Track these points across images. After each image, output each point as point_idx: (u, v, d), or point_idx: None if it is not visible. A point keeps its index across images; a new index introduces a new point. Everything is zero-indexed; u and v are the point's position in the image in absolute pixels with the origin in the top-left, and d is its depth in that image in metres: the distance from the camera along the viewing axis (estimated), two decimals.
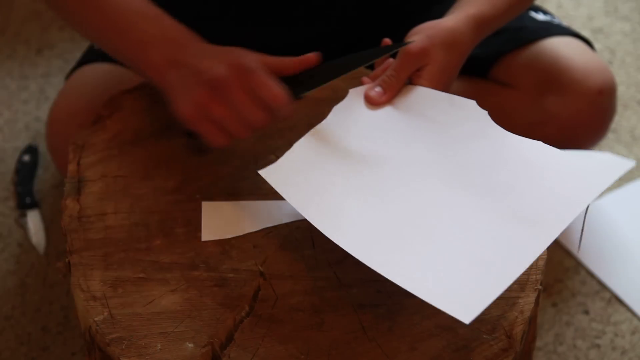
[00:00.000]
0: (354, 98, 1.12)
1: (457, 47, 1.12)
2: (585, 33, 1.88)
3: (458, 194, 1.00)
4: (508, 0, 1.19)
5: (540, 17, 1.45)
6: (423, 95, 1.10)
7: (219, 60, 1.05)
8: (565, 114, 1.38)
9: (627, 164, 1.00)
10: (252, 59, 1.06)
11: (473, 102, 1.08)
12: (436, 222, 0.98)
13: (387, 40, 1.16)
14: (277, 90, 1.04)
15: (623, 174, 0.99)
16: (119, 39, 1.12)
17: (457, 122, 1.07)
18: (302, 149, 1.05)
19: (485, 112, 1.07)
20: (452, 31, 1.12)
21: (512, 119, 1.36)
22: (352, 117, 1.10)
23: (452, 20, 1.14)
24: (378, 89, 1.11)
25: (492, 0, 1.18)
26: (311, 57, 1.10)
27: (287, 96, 1.05)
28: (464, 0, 1.18)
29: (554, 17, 1.47)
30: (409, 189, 1.02)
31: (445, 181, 1.02)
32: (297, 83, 1.09)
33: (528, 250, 0.93)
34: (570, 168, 1.02)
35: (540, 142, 1.04)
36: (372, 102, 1.11)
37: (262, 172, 1.03)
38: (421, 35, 1.11)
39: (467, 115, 1.08)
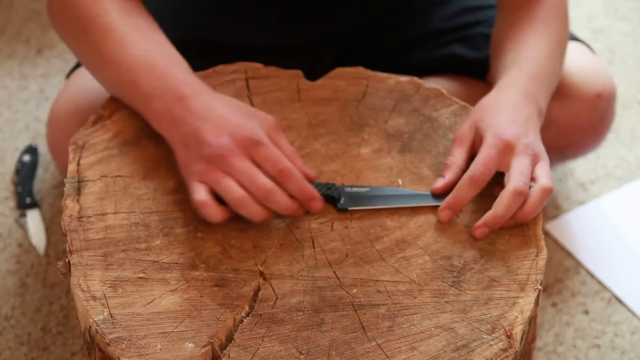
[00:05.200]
0: None
1: (501, 90, 1.14)
2: (585, 33, 1.88)
3: None
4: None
5: None
6: None
7: (222, 129, 1.04)
8: (564, 118, 1.37)
9: None
10: (258, 132, 1.04)
11: None
12: None
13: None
14: (285, 164, 1.03)
15: None
16: (125, 91, 1.11)
17: None
18: None
19: None
20: (493, 93, 1.15)
21: None
22: None
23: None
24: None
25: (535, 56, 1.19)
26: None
27: (297, 171, 1.04)
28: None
29: None
30: None
31: None
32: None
33: None
34: None
35: None
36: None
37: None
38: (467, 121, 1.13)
39: None
